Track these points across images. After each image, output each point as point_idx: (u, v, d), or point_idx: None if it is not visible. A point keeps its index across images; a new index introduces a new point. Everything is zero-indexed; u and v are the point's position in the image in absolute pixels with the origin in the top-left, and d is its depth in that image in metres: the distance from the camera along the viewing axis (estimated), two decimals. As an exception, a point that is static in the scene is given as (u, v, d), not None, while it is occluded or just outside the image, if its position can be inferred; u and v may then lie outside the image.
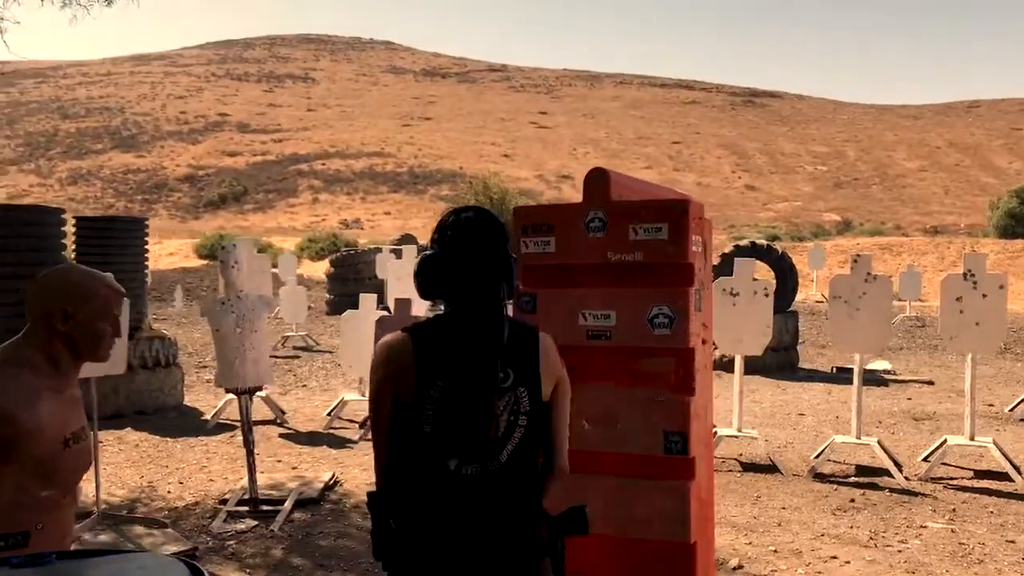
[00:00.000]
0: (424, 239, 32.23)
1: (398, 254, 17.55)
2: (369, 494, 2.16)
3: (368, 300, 8.60)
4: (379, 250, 20.60)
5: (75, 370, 2.21)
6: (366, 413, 8.60)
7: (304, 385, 11.01)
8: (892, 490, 6.35)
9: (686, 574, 3.02)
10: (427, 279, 2.15)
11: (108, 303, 2.21)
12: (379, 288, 17.36)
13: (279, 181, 74.43)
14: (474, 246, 2.11)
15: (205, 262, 31.20)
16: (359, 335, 8.32)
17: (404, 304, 8.06)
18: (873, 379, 11.18)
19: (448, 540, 2.08)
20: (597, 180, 3.06)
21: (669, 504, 3.00)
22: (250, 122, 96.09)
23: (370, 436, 7.17)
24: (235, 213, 66.38)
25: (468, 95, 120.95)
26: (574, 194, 68.56)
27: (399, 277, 10.29)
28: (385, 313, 8.56)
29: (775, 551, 5.10)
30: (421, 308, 9.19)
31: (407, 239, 26.03)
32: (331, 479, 6.49)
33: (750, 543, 5.24)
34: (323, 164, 78.43)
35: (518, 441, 2.10)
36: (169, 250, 36.60)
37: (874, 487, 6.43)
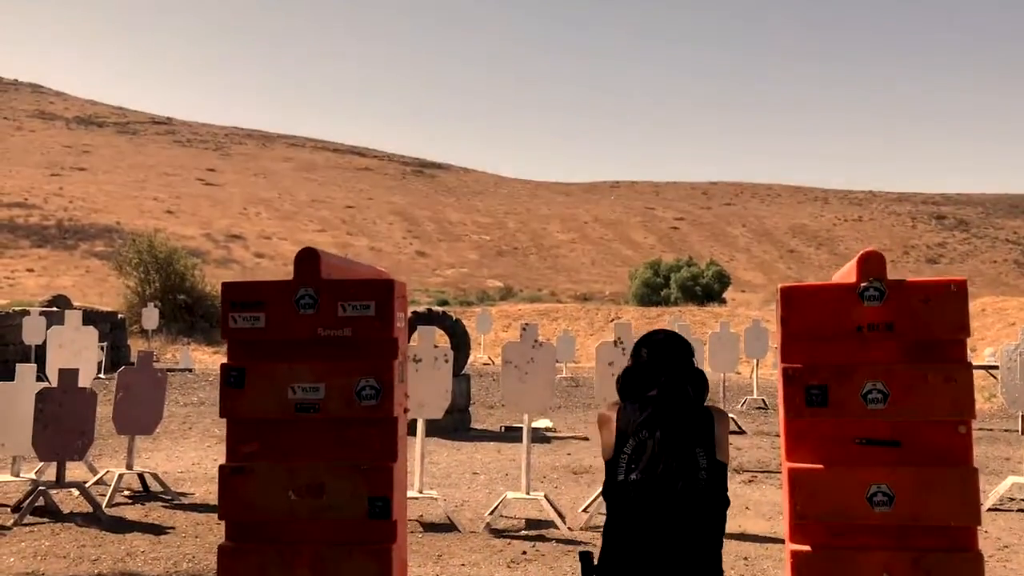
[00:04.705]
0: (77, 299, 29.62)
1: (50, 317, 16.09)
2: (580, 553, 2.79)
3: (27, 371, 7.87)
4: (26, 312, 18.73)
5: None
6: (20, 495, 7.83)
7: (-64, 467, 9.70)
8: (558, 540, 6.95)
9: (389, 632, 3.19)
10: (626, 385, 2.90)
11: None
12: (25, 355, 15.76)
13: None
14: (664, 359, 2.84)
15: None
16: (15, 409, 7.59)
17: (70, 375, 7.52)
18: (537, 437, 12.08)
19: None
20: (308, 259, 3.23)
21: (374, 566, 3.17)
22: None
23: (26, 520, 6.64)
24: None
25: (128, 147, 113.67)
26: (245, 254, 66.78)
27: (61, 344, 9.47)
28: (47, 385, 7.89)
29: (459, 606, 5.40)
30: (87, 380, 8.58)
31: (60, 300, 23.78)
32: (-19, 571, 5.84)
33: (435, 600, 5.50)
34: (-50, 214, 69.36)
35: (701, 489, 2.68)
36: None
37: (542, 539, 7.00)
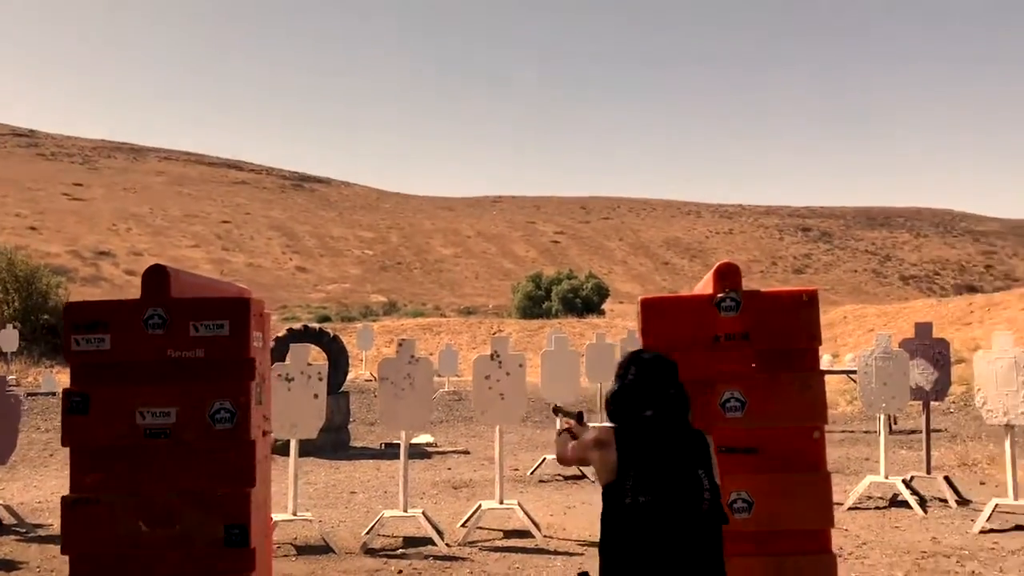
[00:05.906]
0: (-74, 322, 27.69)
1: None
2: (580, 575, 2.97)
3: None
4: None
5: None
6: None
7: None
8: (436, 557, 6.87)
9: (248, 665, 3.07)
10: (618, 406, 2.85)
11: None
12: None
13: None
14: (655, 380, 2.82)
15: None
16: None
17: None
18: (417, 452, 11.97)
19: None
20: (156, 276, 3.08)
21: (231, 597, 3.04)
22: None
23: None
24: None
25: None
26: (114, 271, 64.04)
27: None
28: None
29: (331, 630, 5.26)
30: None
31: (-96, 323, 22.21)
32: None
33: (307, 626, 5.34)
34: None
35: (707, 509, 2.73)
36: None
37: (420, 556, 6.91)
